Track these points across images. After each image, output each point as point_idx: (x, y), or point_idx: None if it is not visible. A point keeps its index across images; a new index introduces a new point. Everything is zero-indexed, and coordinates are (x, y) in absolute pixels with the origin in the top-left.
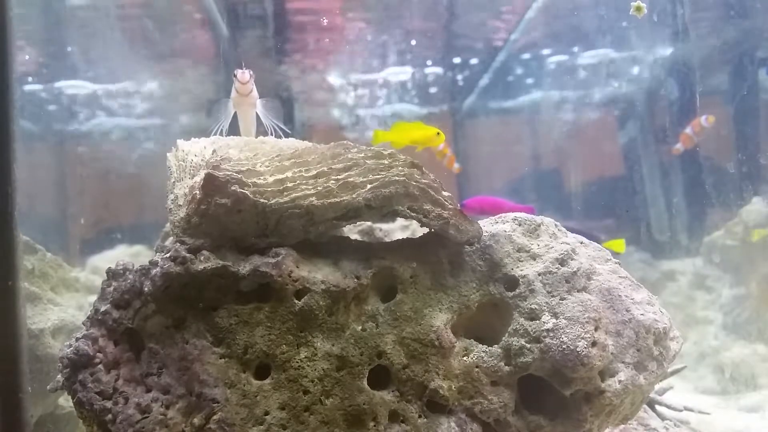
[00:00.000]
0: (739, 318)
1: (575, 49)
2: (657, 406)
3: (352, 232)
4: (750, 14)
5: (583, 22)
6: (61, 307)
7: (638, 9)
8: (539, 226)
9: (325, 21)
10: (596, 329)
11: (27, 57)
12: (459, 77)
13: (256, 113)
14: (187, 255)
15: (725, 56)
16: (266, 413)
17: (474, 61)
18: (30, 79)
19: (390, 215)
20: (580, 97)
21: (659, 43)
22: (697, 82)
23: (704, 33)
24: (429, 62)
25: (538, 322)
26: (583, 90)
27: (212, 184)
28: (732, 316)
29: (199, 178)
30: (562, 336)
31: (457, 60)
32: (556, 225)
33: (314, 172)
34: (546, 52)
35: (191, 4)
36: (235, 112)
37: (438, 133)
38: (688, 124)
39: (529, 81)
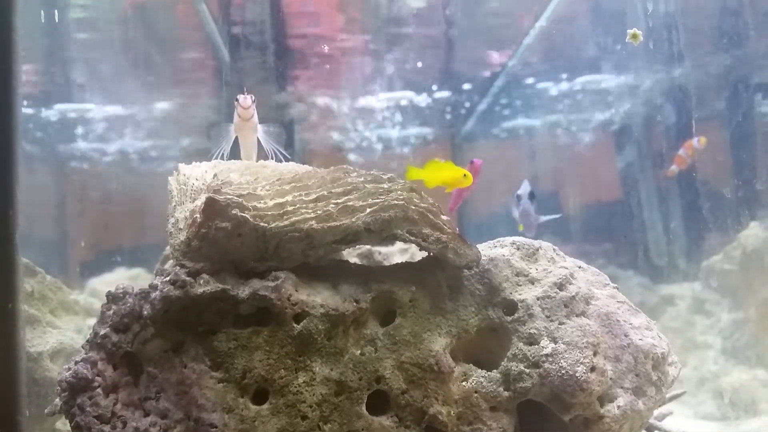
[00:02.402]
0: (739, 343)
1: (573, 74)
2: None
3: (351, 255)
4: (744, 41)
5: (581, 48)
6: (60, 330)
7: (634, 36)
8: (537, 250)
9: (326, 48)
10: (595, 354)
11: (29, 79)
12: (458, 102)
13: (257, 138)
14: (187, 278)
15: (721, 82)
16: None
17: (473, 86)
18: (31, 101)
19: (389, 239)
20: (578, 121)
21: (655, 69)
22: (693, 108)
23: (700, 60)
24: (428, 87)
25: (537, 346)
26: (580, 115)
27: (213, 208)
28: (731, 340)
29: (200, 201)
30: (561, 361)
31: (455, 85)
32: (554, 249)
33: (314, 196)
34: (544, 77)
35: (193, 30)
36: (236, 137)
37: (465, 175)
38: (681, 146)
39: (527, 106)
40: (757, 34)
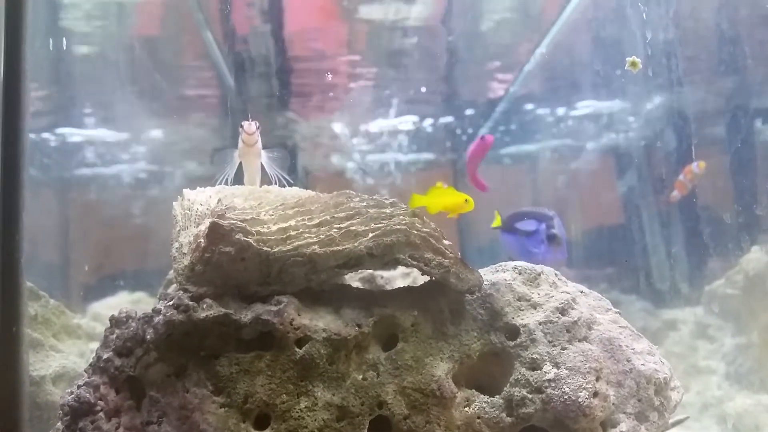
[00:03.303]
0: (742, 368)
1: (573, 100)
2: None
3: (353, 279)
4: (742, 68)
5: (581, 75)
6: (63, 354)
7: (633, 64)
8: (539, 275)
9: (330, 75)
10: (598, 379)
11: (35, 105)
12: (460, 128)
13: (261, 163)
14: (190, 303)
15: (720, 108)
16: None
17: (474, 111)
18: (36, 127)
19: (391, 263)
20: (579, 147)
21: (655, 95)
22: (693, 134)
23: (699, 86)
24: (430, 112)
25: (539, 371)
26: (581, 140)
27: (217, 233)
28: (735, 365)
29: (203, 226)
30: (564, 386)
31: (457, 111)
32: (556, 274)
33: (317, 221)
34: (544, 103)
35: (199, 57)
36: (240, 162)
37: (466, 200)
38: (681, 172)
39: (529, 131)
40: (755, 62)
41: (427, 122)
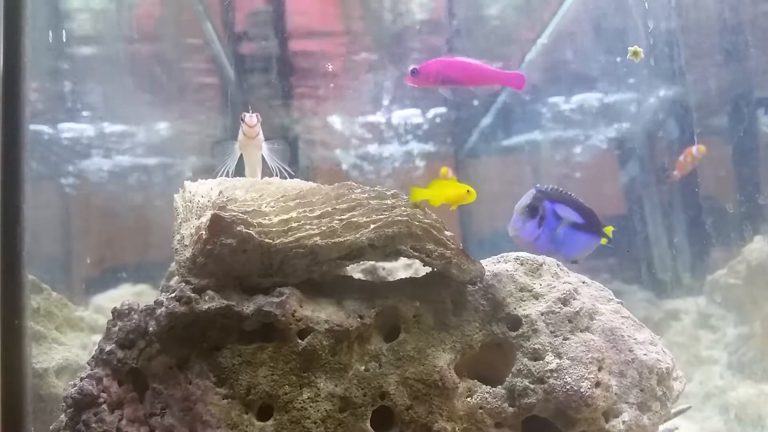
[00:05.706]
0: (744, 357)
1: (575, 90)
2: None
3: (355, 271)
4: (745, 58)
5: (583, 64)
6: (66, 347)
7: (635, 53)
8: (541, 265)
9: (330, 66)
10: (600, 369)
11: (35, 98)
12: (461, 118)
13: (262, 155)
14: (192, 295)
15: (722, 98)
16: None
17: (475, 102)
18: (37, 119)
19: (393, 254)
20: (581, 137)
21: (657, 85)
22: (695, 124)
23: (701, 76)
24: (431, 104)
25: (541, 362)
26: (583, 130)
27: (218, 225)
28: (737, 355)
29: (205, 218)
30: (566, 376)
31: (459, 102)
32: (558, 264)
33: (318, 213)
34: (546, 93)
35: (199, 49)
36: (241, 154)
37: (468, 191)
38: (681, 153)
39: (530, 121)
40: (758, 51)
41: (429, 114)
